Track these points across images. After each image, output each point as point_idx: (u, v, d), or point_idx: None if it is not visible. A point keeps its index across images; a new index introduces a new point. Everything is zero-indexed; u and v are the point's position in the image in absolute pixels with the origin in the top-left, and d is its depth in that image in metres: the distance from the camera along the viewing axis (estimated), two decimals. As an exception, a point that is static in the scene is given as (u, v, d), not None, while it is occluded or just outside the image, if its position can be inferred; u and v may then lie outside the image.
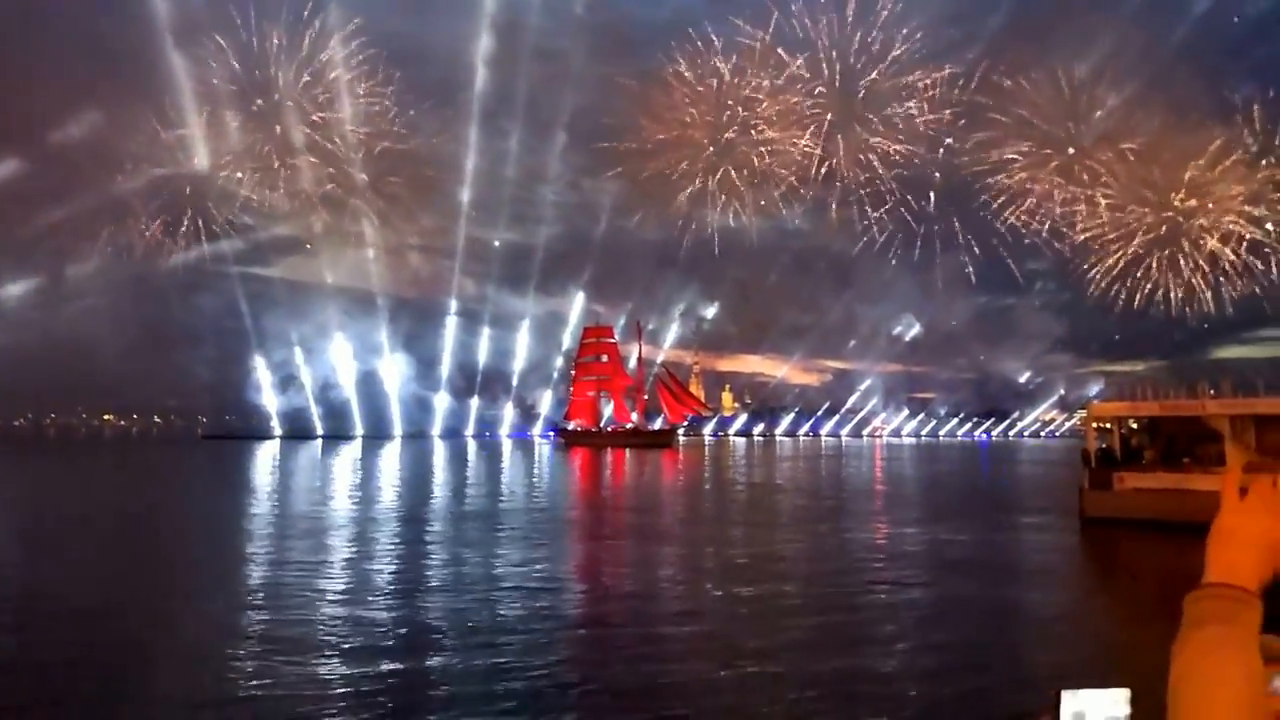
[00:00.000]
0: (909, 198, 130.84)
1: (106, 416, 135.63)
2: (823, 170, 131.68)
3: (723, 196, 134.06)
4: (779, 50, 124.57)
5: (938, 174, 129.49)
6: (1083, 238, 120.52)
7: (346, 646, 13.95)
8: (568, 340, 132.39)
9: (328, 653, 13.59)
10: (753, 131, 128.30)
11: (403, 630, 15.17)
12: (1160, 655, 1.27)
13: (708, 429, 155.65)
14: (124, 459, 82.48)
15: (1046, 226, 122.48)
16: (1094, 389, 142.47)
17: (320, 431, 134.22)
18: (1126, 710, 2.03)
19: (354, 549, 24.80)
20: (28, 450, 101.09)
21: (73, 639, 14.35)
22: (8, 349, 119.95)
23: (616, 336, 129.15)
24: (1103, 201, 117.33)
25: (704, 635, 15.04)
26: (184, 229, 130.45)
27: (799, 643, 14.34)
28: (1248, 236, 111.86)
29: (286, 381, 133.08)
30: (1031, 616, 17.29)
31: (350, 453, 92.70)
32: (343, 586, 19.09)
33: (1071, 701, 2.06)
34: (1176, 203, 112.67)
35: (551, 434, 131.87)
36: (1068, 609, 18.28)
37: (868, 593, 19.04)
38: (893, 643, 14.59)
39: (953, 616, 16.71)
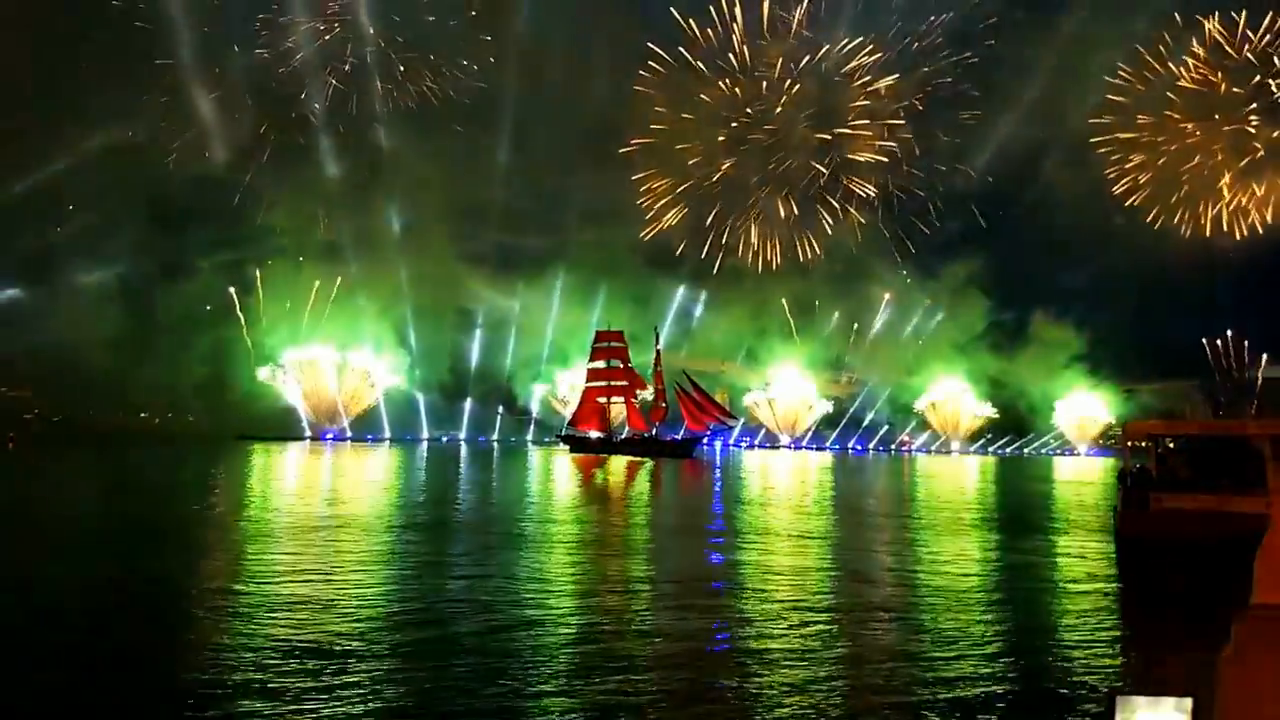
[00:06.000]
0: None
1: (142, 414, 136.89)
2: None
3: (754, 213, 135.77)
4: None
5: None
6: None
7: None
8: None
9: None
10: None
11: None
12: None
13: (732, 439, 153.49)
14: (176, 456, 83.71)
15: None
16: (1119, 407, 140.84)
17: (349, 434, 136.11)
18: None
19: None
20: (70, 444, 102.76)
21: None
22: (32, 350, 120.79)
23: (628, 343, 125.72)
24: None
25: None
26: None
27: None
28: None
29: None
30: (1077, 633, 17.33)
31: (381, 453, 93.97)
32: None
33: (1126, 707, 2.01)
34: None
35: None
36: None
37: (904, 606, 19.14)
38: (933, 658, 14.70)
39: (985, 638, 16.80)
